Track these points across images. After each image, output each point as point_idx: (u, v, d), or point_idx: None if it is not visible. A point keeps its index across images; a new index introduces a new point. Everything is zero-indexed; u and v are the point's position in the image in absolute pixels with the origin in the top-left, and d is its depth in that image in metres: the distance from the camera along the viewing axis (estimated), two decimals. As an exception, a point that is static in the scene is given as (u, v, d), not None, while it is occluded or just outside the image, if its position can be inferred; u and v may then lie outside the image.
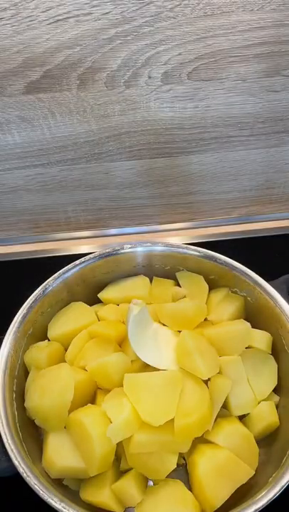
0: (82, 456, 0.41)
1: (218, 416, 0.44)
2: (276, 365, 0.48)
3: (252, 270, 0.51)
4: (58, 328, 0.50)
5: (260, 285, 0.50)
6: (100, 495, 0.41)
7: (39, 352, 0.47)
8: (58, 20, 0.47)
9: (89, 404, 0.44)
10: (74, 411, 0.43)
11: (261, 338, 0.48)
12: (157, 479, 0.42)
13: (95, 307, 0.53)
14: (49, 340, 0.50)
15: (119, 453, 0.43)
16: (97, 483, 0.42)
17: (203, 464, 0.41)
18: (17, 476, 0.39)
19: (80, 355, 0.47)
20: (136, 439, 0.40)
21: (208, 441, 0.43)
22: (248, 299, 0.52)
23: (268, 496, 0.38)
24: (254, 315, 0.52)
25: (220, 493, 0.40)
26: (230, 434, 0.43)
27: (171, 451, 0.41)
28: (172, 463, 0.41)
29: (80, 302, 0.53)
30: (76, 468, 0.41)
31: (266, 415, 0.45)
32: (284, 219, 0.74)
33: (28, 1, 0.45)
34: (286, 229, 0.72)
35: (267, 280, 0.50)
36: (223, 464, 0.41)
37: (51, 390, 0.43)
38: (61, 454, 0.42)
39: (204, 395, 0.42)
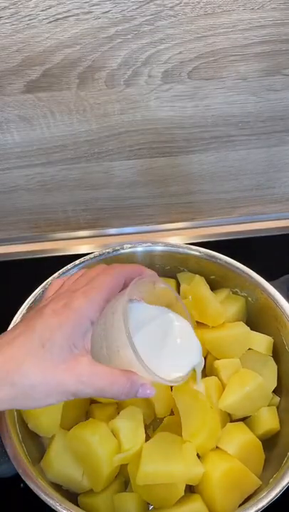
0: (85, 471, 0.41)
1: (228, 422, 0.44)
2: (276, 367, 0.48)
3: (252, 270, 0.51)
4: None
5: (260, 285, 0.49)
6: (97, 505, 0.41)
7: None
8: (58, 19, 0.47)
9: (91, 419, 0.44)
10: (76, 426, 0.42)
11: (261, 341, 0.48)
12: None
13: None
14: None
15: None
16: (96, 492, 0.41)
17: (217, 476, 0.40)
18: (17, 476, 0.39)
19: None
20: (143, 470, 0.38)
21: (218, 448, 0.42)
22: (249, 299, 0.52)
23: (268, 497, 0.37)
24: (255, 315, 0.52)
25: (230, 505, 0.40)
26: (241, 443, 0.42)
27: (179, 481, 0.39)
28: (180, 491, 0.39)
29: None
30: (72, 478, 0.41)
31: (267, 421, 0.45)
32: (284, 219, 0.74)
33: (27, -1, 0.45)
34: (286, 229, 0.72)
35: (267, 280, 0.50)
36: (235, 476, 0.40)
37: None
38: (62, 458, 0.41)
39: (205, 408, 0.42)
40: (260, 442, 0.44)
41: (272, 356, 0.49)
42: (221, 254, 0.52)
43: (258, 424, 0.44)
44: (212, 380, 0.45)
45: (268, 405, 0.46)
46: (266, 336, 0.49)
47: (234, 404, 0.43)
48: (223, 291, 0.53)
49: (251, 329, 0.49)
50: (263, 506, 0.37)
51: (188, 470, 0.39)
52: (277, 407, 0.47)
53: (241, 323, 0.50)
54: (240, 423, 0.44)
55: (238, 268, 0.51)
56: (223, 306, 0.50)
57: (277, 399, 0.47)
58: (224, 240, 0.70)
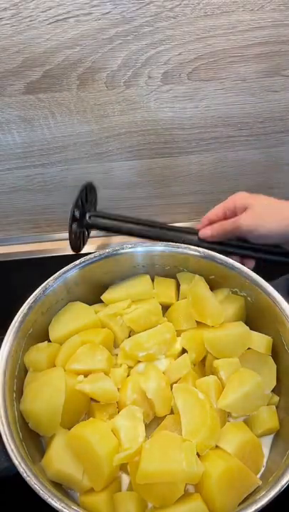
0: (85, 471, 0.41)
1: (228, 421, 0.44)
2: (275, 366, 0.48)
3: (252, 270, 0.51)
4: (60, 329, 0.50)
5: (260, 285, 0.49)
6: (97, 504, 0.41)
7: (39, 354, 0.47)
8: (58, 20, 0.47)
9: (91, 419, 0.44)
10: (76, 426, 0.42)
11: (260, 341, 0.48)
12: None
13: (96, 307, 0.53)
14: (49, 341, 0.50)
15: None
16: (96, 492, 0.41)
17: (216, 475, 0.39)
18: (17, 476, 0.39)
19: (72, 359, 0.47)
20: (143, 469, 0.38)
21: (217, 447, 0.42)
22: (248, 298, 0.52)
23: (268, 495, 0.37)
24: (254, 315, 0.52)
25: (230, 504, 0.40)
26: (240, 442, 0.42)
27: (179, 481, 0.39)
28: (180, 490, 0.39)
29: (78, 302, 0.53)
30: (72, 477, 0.41)
31: (266, 420, 0.45)
32: (284, 219, 0.74)
33: (28, 1, 0.45)
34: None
35: (267, 280, 0.50)
36: (235, 476, 0.40)
37: (43, 393, 0.43)
38: (62, 457, 0.41)
39: (204, 407, 0.42)
40: (260, 441, 0.44)
41: (272, 356, 0.49)
42: (220, 254, 0.52)
43: (258, 424, 0.44)
44: (211, 379, 0.45)
45: (268, 404, 0.46)
46: (265, 335, 0.49)
47: (233, 403, 0.43)
48: (223, 291, 0.53)
49: (251, 329, 0.49)
50: (262, 505, 0.37)
51: (188, 469, 0.39)
52: (277, 407, 0.47)
53: (241, 322, 0.50)
54: (240, 422, 0.45)
55: (237, 268, 0.51)
56: (223, 306, 0.50)
57: (276, 398, 0.47)
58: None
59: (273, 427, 0.45)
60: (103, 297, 0.54)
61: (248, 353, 0.48)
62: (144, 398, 0.45)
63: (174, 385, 0.44)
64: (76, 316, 0.51)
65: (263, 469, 0.43)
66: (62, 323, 0.50)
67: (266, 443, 0.46)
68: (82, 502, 0.42)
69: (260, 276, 0.50)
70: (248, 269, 0.51)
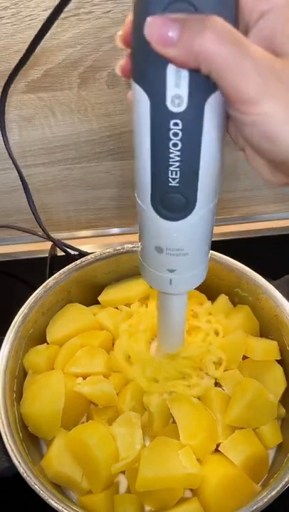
0: (84, 473, 0.41)
1: (236, 428, 0.43)
2: (281, 369, 0.46)
3: (253, 270, 0.51)
4: (57, 331, 0.50)
5: (261, 285, 0.49)
6: (96, 506, 0.40)
7: (38, 356, 0.47)
8: (59, 19, 0.47)
9: (90, 421, 0.44)
10: (75, 428, 0.42)
11: (259, 347, 0.47)
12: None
13: (94, 308, 0.53)
14: (48, 343, 0.49)
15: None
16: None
17: (215, 480, 0.39)
18: (17, 476, 0.39)
19: (71, 362, 0.46)
20: (142, 476, 0.38)
21: (220, 453, 0.42)
22: (250, 299, 0.52)
23: (268, 496, 0.37)
24: (255, 315, 0.52)
25: (227, 509, 0.39)
26: (248, 455, 0.41)
27: (178, 486, 0.39)
28: (179, 494, 0.39)
29: (76, 303, 0.52)
30: (71, 479, 0.41)
31: (268, 436, 0.44)
32: (285, 219, 0.74)
33: (28, -1, 0.45)
34: (287, 229, 0.72)
35: (268, 280, 0.50)
36: (234, 483, 0.40)
37: (42, 397, 0.42)
38: (63, 458, 0.41)
39: (199, 410, 0.42)
40: (268, 453, 0.43)
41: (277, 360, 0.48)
42: (221, 254, 0.52)
43: (262, 441, 0.43)
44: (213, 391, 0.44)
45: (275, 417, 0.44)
46: (267, 339, 0.48)
47: (239, 416, 0.42)
48: (222, 299, 0.52)
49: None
50: (263, 505, 0.37)
51: (188, 474, 0.38)
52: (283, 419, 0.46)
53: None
54: (250, 431, 0.43)
55: (238, 268, 0.51)
56: (229, 318, 0.50)
57: (282, 410, 0.46)
58: (224, 239, 0.70)
59: (276, 443, 0.44)
60: (100, 298, 0.53)
61: (250, 362, 0.47)
62: (143, 407, 0.44)
63: (167, 397, 0.44)
64: (74, 318, 0.51)
65: (265, 477, 0.43)
66: (60, 325, 0.50)
67: (269, 452, 0.45)
68: (82, 503, 0.41)
69: (261, 276, 0.50)
70: (250, 269, 0.51)
